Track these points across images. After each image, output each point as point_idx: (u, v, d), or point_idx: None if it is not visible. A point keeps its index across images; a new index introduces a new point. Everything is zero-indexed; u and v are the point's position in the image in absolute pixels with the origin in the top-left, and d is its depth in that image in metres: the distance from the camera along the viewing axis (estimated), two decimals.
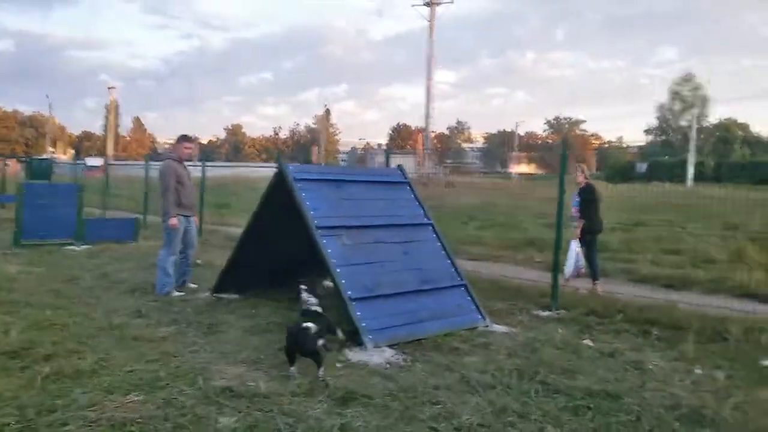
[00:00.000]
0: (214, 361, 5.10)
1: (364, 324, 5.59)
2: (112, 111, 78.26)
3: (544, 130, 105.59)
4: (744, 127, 68.39)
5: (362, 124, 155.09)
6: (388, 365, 5.12)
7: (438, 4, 46.39)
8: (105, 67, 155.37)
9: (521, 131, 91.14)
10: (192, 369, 4.88)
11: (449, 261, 6.80)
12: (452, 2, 47.11)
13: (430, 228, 7.05)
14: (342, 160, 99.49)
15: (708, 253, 11.20)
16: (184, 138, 8.22)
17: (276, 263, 7.59)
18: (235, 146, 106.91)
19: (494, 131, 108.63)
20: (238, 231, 15.61)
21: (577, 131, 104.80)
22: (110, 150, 72.94)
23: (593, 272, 8.65)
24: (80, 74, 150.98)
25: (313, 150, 75.59)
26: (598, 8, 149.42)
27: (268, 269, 7.61)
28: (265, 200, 6.88)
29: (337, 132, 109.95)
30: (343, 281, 5.82)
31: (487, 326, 6.38)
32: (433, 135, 61.01)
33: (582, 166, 9.39)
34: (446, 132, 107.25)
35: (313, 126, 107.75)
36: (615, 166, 62.85)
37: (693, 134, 50.84)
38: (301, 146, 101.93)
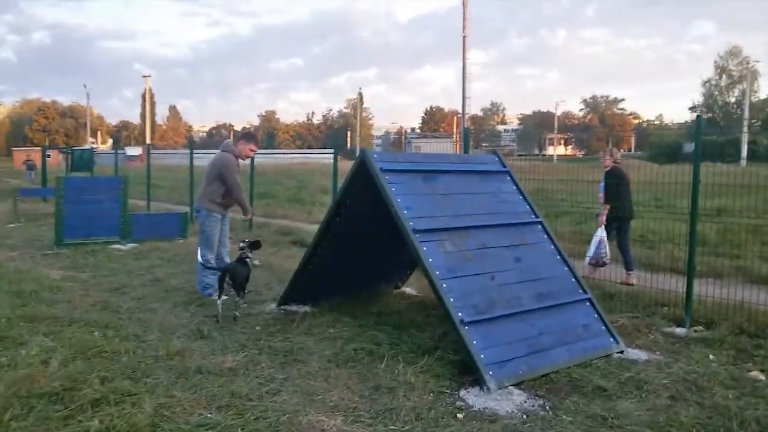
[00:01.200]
0: (301, 407, 3.99)
1: (482, 356, 4.41)
2: (149, 99, 78.15)
3: (581, 110, 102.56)
4: None
5: (394, 108, 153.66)
6: (524, 416, 3.94)
7: None
8: (138, 57, 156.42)
9: (558, 111, 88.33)
10: (276, 421, 3.78)
11: (567, 267, 5.57)
12: None
13: (540, 227, 5.82)
14: (377, 145, 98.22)
15: None
16: (250, 138, 7.35)
17: (355, 268, 6.47)
18: (269, 133, 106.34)
19: (529, 112, 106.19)
20: (286, 223, 14.82)
21: (615, 110, 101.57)
22: (148, 139, 72.86)
23: (627, 262, 8.17)
24: (114, 64, 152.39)
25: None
26: None
27: (345, 276, 6.49)
28: (343, 195, 5.73)
29: (371, 116, 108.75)
30: (451, 299, 4.64)
31: (623, 352, 5.15)
32: (467, 117, 59.38)
33: (611, 149, 8.93)
34: (480, 114, 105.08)
35: (345, 111, 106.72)
36: (660, 145, 60.34)
37: (746, 111, 48.10)
38: (335, 131, 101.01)
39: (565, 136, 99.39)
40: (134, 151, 51.65)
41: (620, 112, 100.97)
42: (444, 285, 4.71)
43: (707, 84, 64.71)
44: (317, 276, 6.24)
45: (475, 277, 4.96)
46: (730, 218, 12.56)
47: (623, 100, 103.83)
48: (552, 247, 5.69)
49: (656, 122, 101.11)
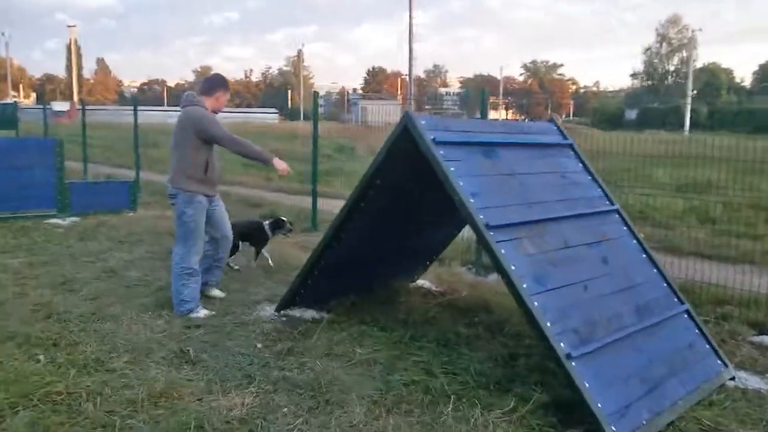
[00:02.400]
0: None
1: (599, 404, 3.21)
2: (74, 51, 72.76)
3: (521, 74, 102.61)
4: (728, 72, 66.51)
5: (335, 68, 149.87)
6: None
7: None
8: (61, 6, 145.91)
9: (498, 76, 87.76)
10: None
11: (656, 269, 4.43)
12: None
13: (618, 216, 4.64)
14: (320, 105, 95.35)
15: None
16: (221, 82, 5.19)
17: (374, 262, 5.19)
18: None
19: (470, 75, 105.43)
20: (246, 192, 13.18)
21: (555, 76, 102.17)
22: (75, 94, 67.97)
23: None
24: (35, 14, 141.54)
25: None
26: None
27: (361, 272, 5.20)
28: (375, 175, 4.35)
29: (311, 75, 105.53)
30: (548, 323, 3.41)
31: (734, 378, 4.07)
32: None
33: (553, 115, 7.76)
34: (423, 76, 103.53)
35: (285, 69, 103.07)
36: (603, 112, 60.77)
37: (690, 79, 48.56)
38: (274, 90, 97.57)
39: (506, 101, 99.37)
40: (61, 106, 47.70)
41: (559, 77, 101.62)
42: (536, 303, 3.46)
43: (648, 51, 65.30)
44: (329, 273, 4.90)
45: (567, 289, 3.73)
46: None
47: (562, 65, 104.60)
48: (635, 242, 4.52)
49: (594, 89, 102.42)
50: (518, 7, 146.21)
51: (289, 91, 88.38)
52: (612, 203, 4.67)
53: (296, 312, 5.07)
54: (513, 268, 3.56)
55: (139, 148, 13.18)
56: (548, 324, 3.40)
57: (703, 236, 8.90)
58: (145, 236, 7.96)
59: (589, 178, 4.79)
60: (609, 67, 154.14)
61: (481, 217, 3.70)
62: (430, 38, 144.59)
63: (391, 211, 4.79)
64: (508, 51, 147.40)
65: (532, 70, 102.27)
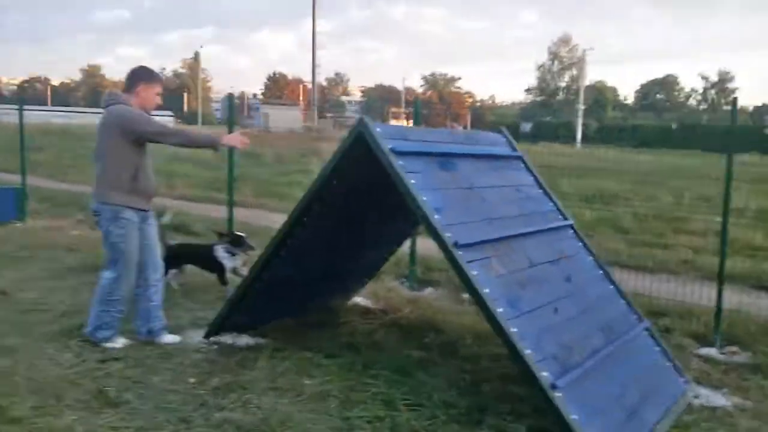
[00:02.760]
0: None
1: None
2: None
3: (421, 86, 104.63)
4: (613, 90, 70.95)
5: (233, 71, 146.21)
6: None
7: None
8: None
9: (399, 87, 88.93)
10: None
11: (612, 285, 4.31)
12: None
13: (572, 231, 4.50)
14: (216, 110, 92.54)
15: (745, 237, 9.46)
16: (140, 75, 4.38)
17: (312, 280, 4.79)
18: (94, 89, 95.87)
19: (371, 85, 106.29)
20: (157, 202, 12.06)
21: (453, 88, 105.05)
22: None
23: None
24: None
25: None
26: None
27: (299, 291, 4.76)
28: (323, 185, 3.94)
29: (209, 79, 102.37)
30: (528, 350, 3.14)
31: (698, 397, 3.99)
32: (311, 87, 56.97)
33: (452, 125, 7.82)
34: (324, 84, 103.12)
35: (181, 71, 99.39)
36: (499, 124, 62.94)
37: (581, 95, 51.21)
38: (170, 92, 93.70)
39: (407, 111, 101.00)
40: None
41: (457, 90, 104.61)
42: (514, 329, 3.18)
43: (541, 68, 68.47)
44: (265, 293, 4.42)
45: (540, 311, 3.49)
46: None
47: (460, 78, 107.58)
48: (590, 258, 4.39)
49: (490, 101, 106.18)
50: (419, 21, 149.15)
51: (186, 94, 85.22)
52: (565, 218, 4.53)
53: (228, 338, 4.55)
54: (486, 291, 3.28)
55: (25, 151, 11.91)
56: (528, 351, 3.13)
57: (619, 246, 9.07)
58: (39, 251, 7.07)
59: (541, 191, 4.62)
60: (504, 81, 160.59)
61: (449, 235, 3.40)
62: (331, 47, 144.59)
63: (336, 225, 4.41)
64: (409, 63, 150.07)
65: (431, 82, 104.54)
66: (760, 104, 69.97)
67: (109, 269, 4.31)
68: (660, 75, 74.46)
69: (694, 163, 18.29)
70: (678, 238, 9.53)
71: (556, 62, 66.64)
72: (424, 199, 3.50)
